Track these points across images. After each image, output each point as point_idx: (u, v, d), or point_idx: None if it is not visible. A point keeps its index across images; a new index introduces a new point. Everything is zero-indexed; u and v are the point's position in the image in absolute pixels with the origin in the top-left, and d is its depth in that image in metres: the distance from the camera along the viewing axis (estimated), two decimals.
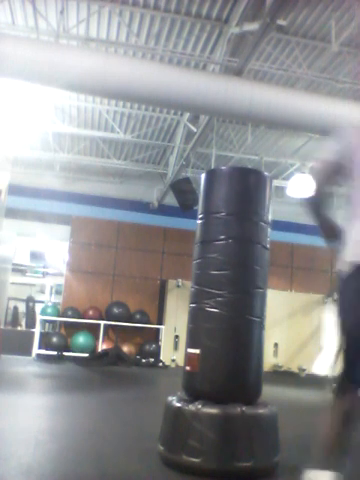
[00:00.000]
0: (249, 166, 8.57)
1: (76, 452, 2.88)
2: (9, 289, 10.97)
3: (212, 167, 8.54)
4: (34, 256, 12.72)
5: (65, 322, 9.85)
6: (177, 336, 9.75)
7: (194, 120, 7.63)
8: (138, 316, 9.91)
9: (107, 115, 8.24)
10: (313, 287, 10.78)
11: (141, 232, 10.60)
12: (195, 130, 7.52)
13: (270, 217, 2.96)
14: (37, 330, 9.54)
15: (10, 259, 10.74)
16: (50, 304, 10.83)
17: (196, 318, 2.85)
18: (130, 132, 8.78)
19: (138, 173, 10.57)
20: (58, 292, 12.13)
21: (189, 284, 3.05)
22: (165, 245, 10.73)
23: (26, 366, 7.83)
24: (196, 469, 2.45)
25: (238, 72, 5.61)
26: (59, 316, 9.85)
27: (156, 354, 9.60)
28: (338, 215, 2.04)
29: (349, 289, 1.80)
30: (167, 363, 9.51)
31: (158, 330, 10.01)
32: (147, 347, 9.72)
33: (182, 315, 8.05)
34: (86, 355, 9.12)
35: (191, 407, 2.58)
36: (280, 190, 9.91)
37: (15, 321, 11.65)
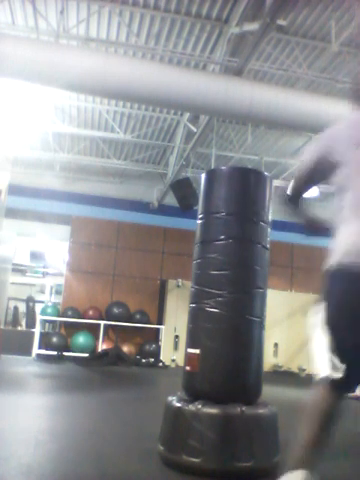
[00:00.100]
0: (249, 166, 8.56)
1: (76, 452, 2.88)
2: (9, 289, 10.96)
3: (212, 167, 8.54)
4: (34, 256, 12.72)
5: (65, 322, 9.85)
6: (177, 336, 9.75)
7: (194, 120, 7.63)
8: (138, 316, 9.91)
9: (107, 115, 8.24)
10: (313, 287, 10.75)
11: (141, 232, 10.60)
12: (195, 130, 7.52)
13: (270, 217, 2.96)
14: (37, 330, 9.54)
15: (10, 259, 10.73)
16: (50, 304, 10.84)
17: (196, 318, 2.84)
18: (130, 132, 8.79)
19: (138, 173, 10.57)
20: (58, 292, 12.14)
21: (189, 284, 3.05)
22: (165, 245, 10.73)
23: (26, 366, 7.83)
24: (196, 469, 2.45)
25: (238, 72, 5.62)
26: (59, 316, 9.85)
27: (156, 354, 9.60)
28: (326, 214, 2.05)
29: (336, 289, 1.80)
30: (167, 363, 9.51)
31: (158, 330, 10.01)
32: (147, 347, 9.72)
33: (182, 315, 8.04)
34: (86, 355, 9.12)
35: (191, 407, 2.58)
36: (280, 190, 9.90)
37: (15, 321, 11.65)
